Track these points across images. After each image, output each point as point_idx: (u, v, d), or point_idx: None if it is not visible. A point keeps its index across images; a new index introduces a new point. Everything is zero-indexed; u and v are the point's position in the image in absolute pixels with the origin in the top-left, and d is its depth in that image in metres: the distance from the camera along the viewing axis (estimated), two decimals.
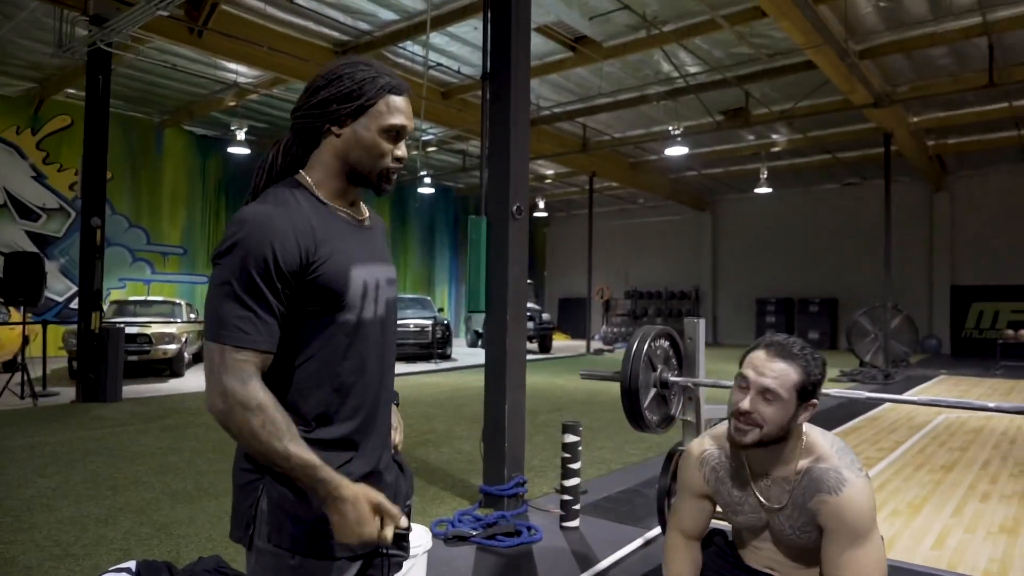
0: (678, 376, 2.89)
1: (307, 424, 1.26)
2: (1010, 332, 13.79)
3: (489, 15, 4.57)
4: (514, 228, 4.30)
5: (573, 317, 24.18)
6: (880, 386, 11.44)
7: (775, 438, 1.67)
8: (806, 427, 1.75)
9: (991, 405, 2.17)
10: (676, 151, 14.06)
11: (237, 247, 1.19)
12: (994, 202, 17.76)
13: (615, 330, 22.20)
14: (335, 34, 10.49)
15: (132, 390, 9.16)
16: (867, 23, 9.82)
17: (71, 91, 13.19)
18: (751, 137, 15.71)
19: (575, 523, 3.97)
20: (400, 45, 10.60)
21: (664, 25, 9.81)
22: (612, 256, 23.69)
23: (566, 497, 3.99)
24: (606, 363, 14.99)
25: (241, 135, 13.03)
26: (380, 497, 1.21)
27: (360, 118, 1.30)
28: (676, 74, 11.79)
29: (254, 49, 9.66)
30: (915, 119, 14.02)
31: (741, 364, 1.74)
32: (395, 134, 1.32)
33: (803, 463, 1.71)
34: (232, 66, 11.37)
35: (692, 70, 11.68)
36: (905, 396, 2.50)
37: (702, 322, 2.87)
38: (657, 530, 3.93)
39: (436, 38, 10.42)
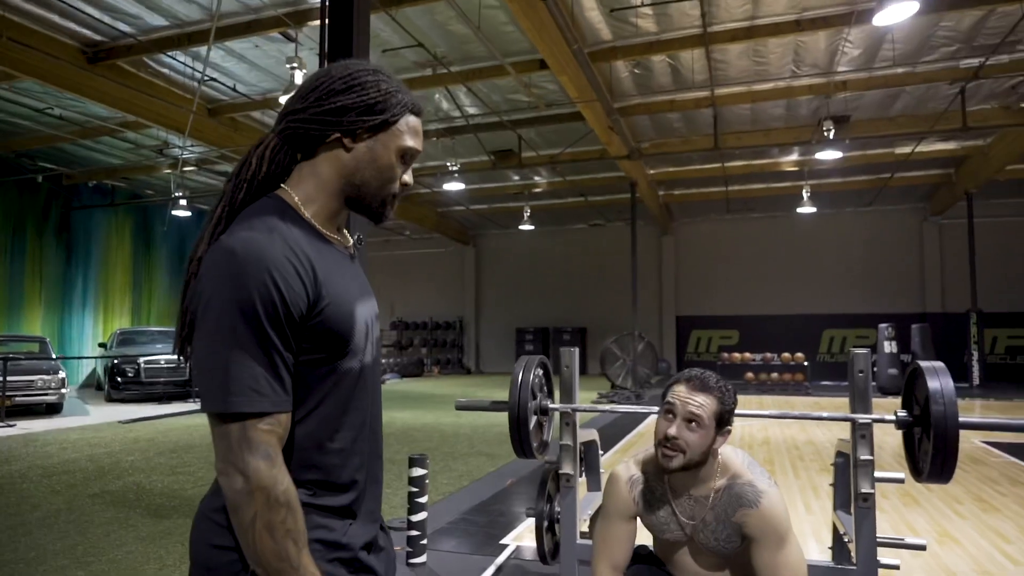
0: (556, 403, 3.05)
1: (308, 489, 1.09)
2: (725, 355, 16.37)
3: (327, 33, 4.44)
4: (357, 258, 4.17)
5: None
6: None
7: (697, 462, 1.87)
8: (720, 449, 1.98)
9: (825, 415, 2.66)
10: (453, 187, 14.56)
11: (234, 287, 0.98)
12: (707, 245, 21.04)
13: (383, 361, 21.99)
14: (87, 32, 9.20)
15: None
16: (624, 86, 11.20)
17: None
18: (516, 177, 16.84)
19: (422, 559, 3.92)
20: (168, 54, 9.64)
21: (451, 66, 10.21)
22: (377, 287, 23.46)
23: (413, 533, 3.92)
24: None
25: None
26: None
27: (379, 135, 1.15)
28: (456, 113, 12.29)
29: None
30: (651, 171, 16.19)
31: (664, 396, 1.93)
32: (408, 158, 1.20)
33: (720, 482, 1.92)
34: None
35: (471, 111, 12.27)
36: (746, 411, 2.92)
37: (576, 351, 3.07)
38: (505, 555, 4.04)
39: (212, 52, 9.67)
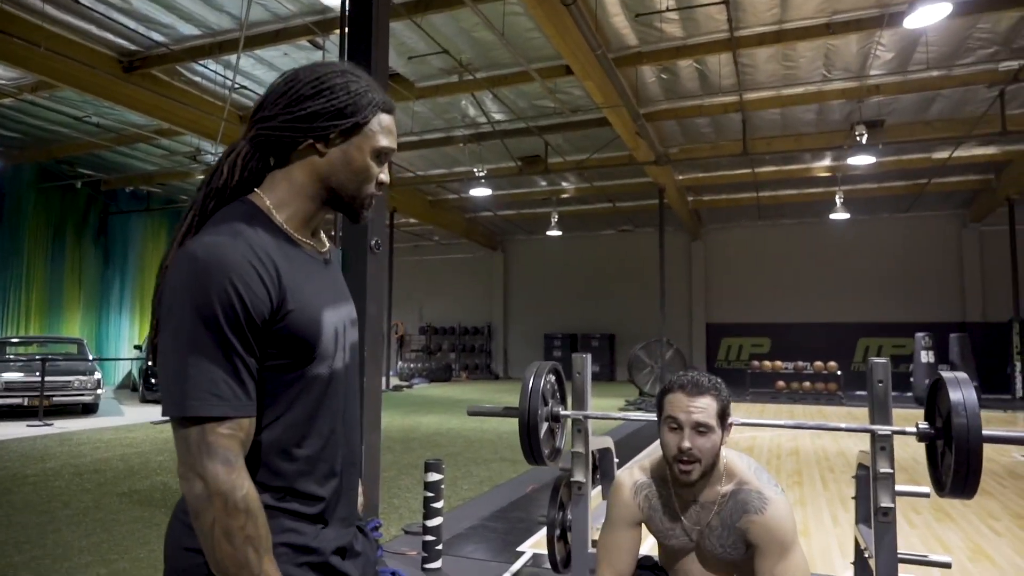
0: (567, 410, 3.02)
1: (276, 494, 1.08)
2: (756, 363, 16.11)
3: (346, 42, 4.49)
4: (372, 263, 4.20)
5: None
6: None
7: (711, 467, 1.84)
8: (724, 451, 1.93)
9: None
10: (480, 192, 14.61)
11: (195, 292, 0.98)
12: (737, 252, 20.76)
13: (410, 366, 22.13)
14: (122, 42, 9.44)
15: None
16: (650, 91, 11.12)
17: None
18: (543, 183, 16.82)
19: (438, 564, 3.91)
20: (200, 62, 9.85)
21: (477, 72, 10.25)
22: (407, 292, 23.73)
23: (428, 538, 3.91)
24: (406, 399, 14.89)
25: None
26: None
27: (352, 137, 1.14)
28: (482, 119, 12.32)
29: (18, 46, 8.38)
30: (680, 177, 16.04)
31: (661, 407, 1.89)
32: (383, 157, 1.19)
33: (727, 487, 1.88)
34: None
35: (497, 116, 12.29)
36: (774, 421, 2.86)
37: (588, 357, 3.04)
38: (521, 563, 4.02)
39: (242, 60, 9.85)
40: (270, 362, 1.07)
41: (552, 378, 3.03)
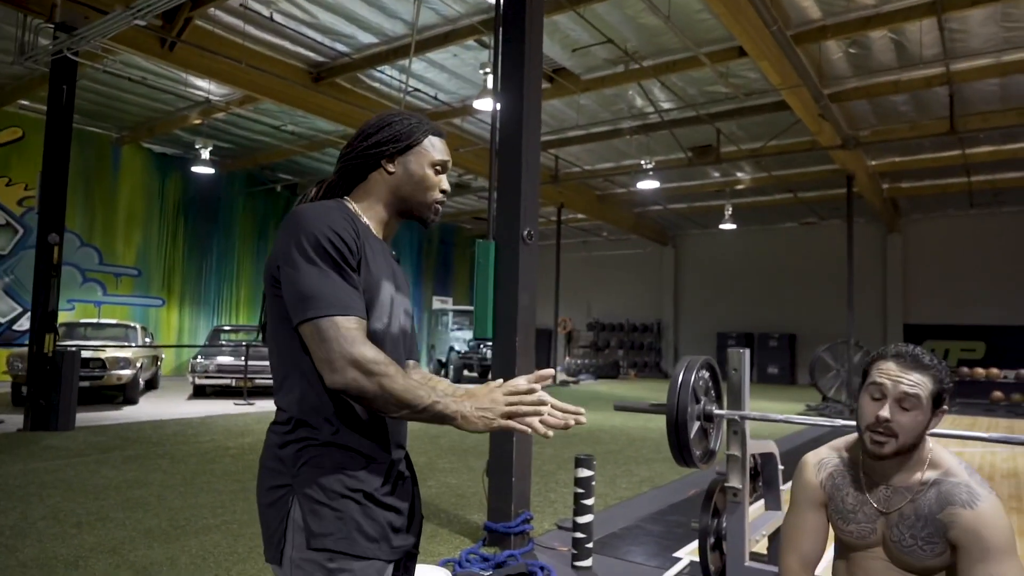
0: (722, 409, 2.77)
1: (331, 425, 1.26)
2: (965, 370, 14.21)
3: (500, 36, 4.48)
4: (524, 253, 4.16)
5: (535, 348, 24.03)
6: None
7: (909, 448, 1.61)
8: (931, 442, 1.68)
9: None
10: (648, 185, 14.23)
11: (306, 232, 1.23)
12: (943, 245, 18.47)
13: (578, 362, 22.14)
14: (312, 55, 10.30)
15: (84, 418, 8.60)
16: (836, 68, 10.13)
17: (24, 103, 12.64)
18: (716, 174, 16.01)
19: (588, 562, 3.78)
20: (378, 69, 10.47)
21: (643, 60, 9.94)
22: (574, 288, 23.75)
23: (578, 535, 3.80)
24: (572, 395, 14.87)
25: (205, 154, 12.65)
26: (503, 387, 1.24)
27: (409, 155, 1.43)
28: (650, 109, 11.95)
29: (227, 65, 9.41)
30: (872, 162, 14.52)
31: (866, 375, 1.67)
32: (440, 168, 1.46)
33: (929, 475, 1.64)
34: (200, 83, 11.06)
35: (665, 106, 11.85)
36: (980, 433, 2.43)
37: (746, 353, 2.76)
38: (676, 569, 3.79)
39: (415, 64, 10.33)
40: None
41: (706, 374, 2.80)
